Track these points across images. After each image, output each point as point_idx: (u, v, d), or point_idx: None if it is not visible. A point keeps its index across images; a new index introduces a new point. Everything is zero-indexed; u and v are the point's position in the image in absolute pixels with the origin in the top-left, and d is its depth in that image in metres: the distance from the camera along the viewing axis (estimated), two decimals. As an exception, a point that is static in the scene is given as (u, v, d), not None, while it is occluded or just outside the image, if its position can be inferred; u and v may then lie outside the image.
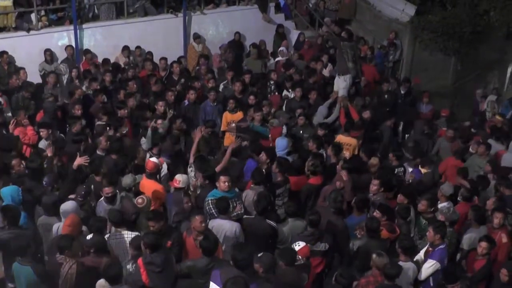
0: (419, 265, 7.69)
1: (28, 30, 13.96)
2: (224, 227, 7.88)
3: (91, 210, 8.44)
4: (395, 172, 10.30)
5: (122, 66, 14.27)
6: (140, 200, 8.23)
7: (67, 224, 7.37)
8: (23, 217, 7.91)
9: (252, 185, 8.96)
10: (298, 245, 7.32)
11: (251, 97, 12.36)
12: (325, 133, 11.20)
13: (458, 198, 9.35)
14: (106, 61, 14.11)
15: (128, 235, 7.59)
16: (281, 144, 10.41)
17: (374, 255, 7.23)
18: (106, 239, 7.45)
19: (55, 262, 7.08)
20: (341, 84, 12.51)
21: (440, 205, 8.94)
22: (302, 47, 16.64)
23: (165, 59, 14.35)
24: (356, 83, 13.30)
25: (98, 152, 9.97)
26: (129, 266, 7.21)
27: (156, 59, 14.50)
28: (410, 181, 10.09)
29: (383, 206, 8.44)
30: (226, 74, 13.97)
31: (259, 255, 6.87)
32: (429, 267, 7.61)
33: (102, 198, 8.39)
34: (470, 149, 11.44)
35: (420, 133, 12.56)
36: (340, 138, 11.19)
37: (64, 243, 6.88)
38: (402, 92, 14.40)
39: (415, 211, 8.91)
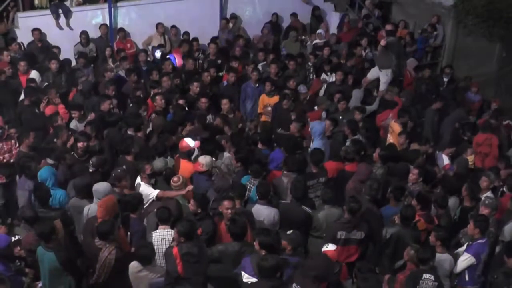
0: (457, 257, 7.48)
1: (57, 17, 13.82)
2: (262, 213, 7.79)
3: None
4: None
5: (156, 46, 14.14)
6: (175, 179, 8.14)
7: (99, 205, 7.31)
8: (64, 196, 8.11)
9: (284, 172, 8.75)
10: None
11: (291, 81, 12.13)
12: (362, 117, 10.91)
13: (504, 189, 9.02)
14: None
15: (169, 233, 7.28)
16: (316, 129, 10.19)
17: (409, 249, 7.03)
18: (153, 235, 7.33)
19: (91, 244, 7.06)
20: (382, 79, 12.30)
21: (483, 196, 8.55)
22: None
23: (196, 39, 14.25)
24: (400, 81, 13.01)
25: (128, 132, 9.80)
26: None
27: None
28: (443, 172, 9.67)
29: (421, 196, 8.19)
30: (265, 56, 13.69)
31: (287, 232, 6.91)
32: (464, 260, 7.43)
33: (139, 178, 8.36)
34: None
35: (458, 121, 12.02)
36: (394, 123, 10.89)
37: (105, 229, 6.79)
38: (445, 79, 13.97)
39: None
